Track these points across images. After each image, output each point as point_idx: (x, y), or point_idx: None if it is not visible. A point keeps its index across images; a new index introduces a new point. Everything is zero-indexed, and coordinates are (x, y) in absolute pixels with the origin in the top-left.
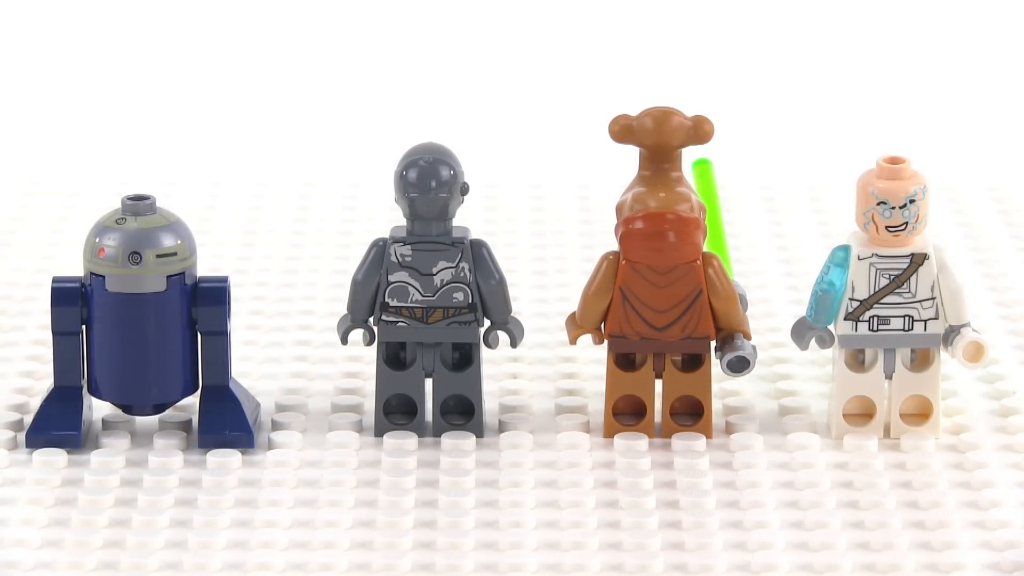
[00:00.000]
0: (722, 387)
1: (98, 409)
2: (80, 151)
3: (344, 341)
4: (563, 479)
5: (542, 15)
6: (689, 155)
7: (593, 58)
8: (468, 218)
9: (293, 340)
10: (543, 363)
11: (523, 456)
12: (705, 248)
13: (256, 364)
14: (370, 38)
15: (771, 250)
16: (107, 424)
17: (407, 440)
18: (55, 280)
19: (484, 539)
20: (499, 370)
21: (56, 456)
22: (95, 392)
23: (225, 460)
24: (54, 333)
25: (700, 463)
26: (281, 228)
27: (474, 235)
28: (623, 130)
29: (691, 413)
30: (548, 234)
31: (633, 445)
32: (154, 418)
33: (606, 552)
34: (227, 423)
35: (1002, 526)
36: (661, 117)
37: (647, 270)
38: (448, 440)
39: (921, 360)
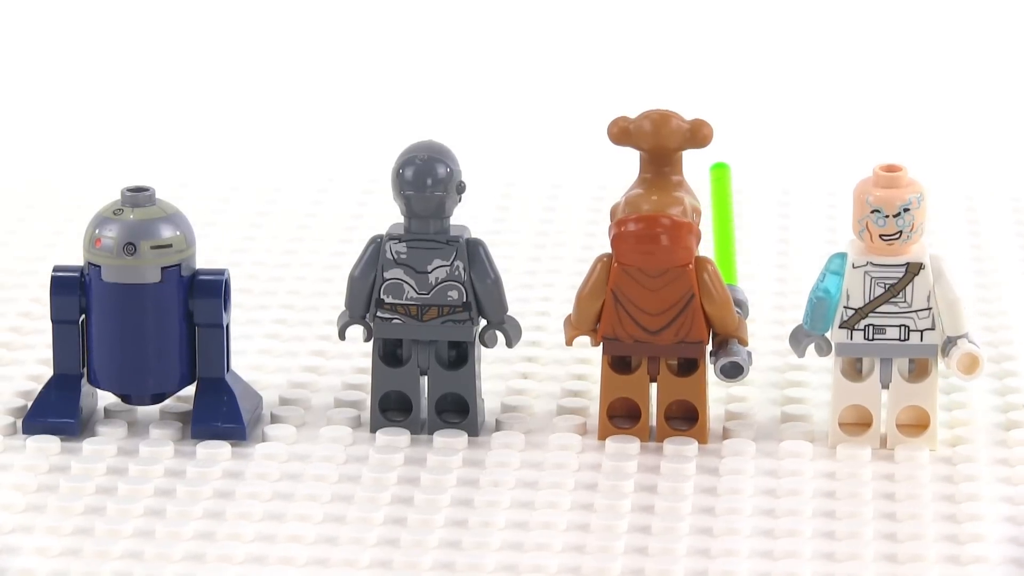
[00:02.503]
0: (729, 392)
1: (102, 398)
2: (105, 150)
3: (342, 336)
4: (545, 480)
5: (559, 17)
6: (708, 158)
7: (615, 61)
8: (485, 217)
9: (315, 335)
10: (557, 363)
11: (511, 456)
12: (713, 252)
13: (273, 357)
14: (389, 39)
15: (790, 255)
16: (108, 413)
17: (400, 437)
18: (55, 269)
19: (449, 538)
20: (511, 369)
21: (50, 443)
22: (94, 381)
23: (214, 452)
24: (53, 321)
25: (687, 468)
26: (335, 225)
27: (476, 234)
28: (621, 132)
29: (688, 418)
30: (569, 233)
31: (624, 448)
32: (155, 408)
33: (567, 554)
34: (221, 415)
35: (974, 540)
36: (659, 120)
37: (639, 273)
38: (440, 438)
39: (919, 371)
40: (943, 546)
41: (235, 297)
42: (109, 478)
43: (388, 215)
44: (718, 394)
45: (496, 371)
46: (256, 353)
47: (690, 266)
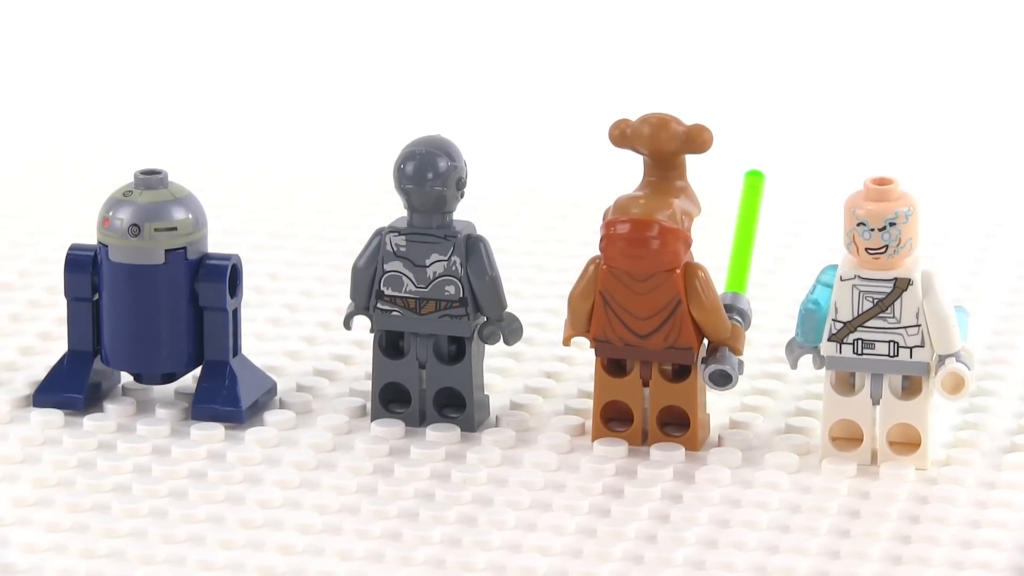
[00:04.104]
0: (743, 401)
1: (125, 375)
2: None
3: (346, 326)
4: (516, 479)
5: (571, 19)
6: (745, 165)
7: (622, 64)
8: (506, 213)
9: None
10: (589, 364)
11: (494, 453)
12: (729, 259)
13: (313, 345)
14: (408, 41)
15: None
16: (125, 391)
17: (394, 428)
18: (71, 247)
19: (392, 529)
20: (538, 368)
21: (54, 416)
22: (104, 359)
23: (207, 433)
24: (67, 298)
25: (663, 473)
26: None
27: (480, 231)
28: (621, 135)
29: (684, 423)
30: (586, 232)
31: (611, 451)
32: (170, 389)
33: (499, 552)
34: (220, 398)
35: (918, 562)
36: (657, 124)
37: (626, 276)
38: (432, 432)
39: (912, 388)
40: (882, 566)
41: (309, 285)
42: (94, 453)
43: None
44: (731, 402)
45: (524, 369)
46: (297, 339)
47: (676, 271)
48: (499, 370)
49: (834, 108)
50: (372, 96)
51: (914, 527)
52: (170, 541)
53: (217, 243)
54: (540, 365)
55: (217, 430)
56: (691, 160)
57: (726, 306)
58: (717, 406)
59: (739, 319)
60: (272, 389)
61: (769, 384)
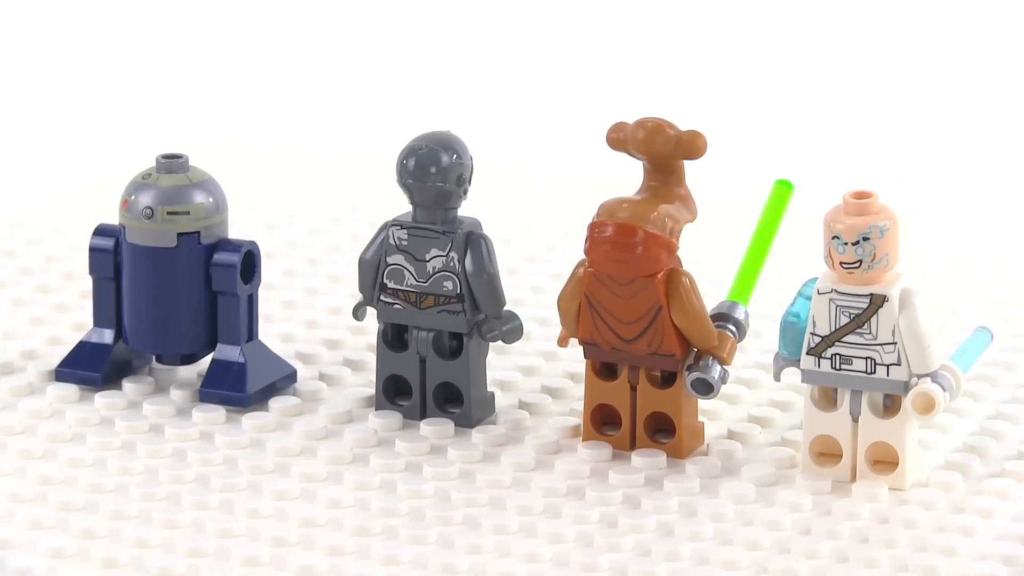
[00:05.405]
0: (749, 412)
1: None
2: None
3: (356, 316)
4: (486, 477)
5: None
6: (775, 173)
7: (638, 69)
8: (516, 211)
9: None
10: None
11: (476, 451)
12: (739, 269)
13: (357, 334)
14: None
15: None
16: (151, 370)
17: (390, 420)
18: (97, 228)
19: (336, 519)
20: (560, 368)
21: (70, 391)
22: (125, 339)
23: (207, 416)
24: (92, 277)
25: (634, 479)
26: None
27: (483, 229)
28: (616, 139)
29: (673, 431)
30: None
31: (593, 454)
32: (193, 370)
33: (429, 548)
34: (227, 382)
35: None
36: (653, 129)
37: (609, 280)
38: (426, 426)
39: (894, 407)
40: None
41: None
42: (87, 429)
43: (477, 209)
44: (738, 413)
45: (552, 368)
46: (344, 328)
47: (658, 277)
48: (524, 368)
49: (838, 115)
50: (432, 90)
51: (857, 547)
52: (121, 517)
53: (294, 241)
54: (566, 366)
55: (218, 412)
56: (691, 166)
57: (721, 315)
58: (723, 415)
59: (733, 329)
60: (291, 376)
61: (788, 396)
